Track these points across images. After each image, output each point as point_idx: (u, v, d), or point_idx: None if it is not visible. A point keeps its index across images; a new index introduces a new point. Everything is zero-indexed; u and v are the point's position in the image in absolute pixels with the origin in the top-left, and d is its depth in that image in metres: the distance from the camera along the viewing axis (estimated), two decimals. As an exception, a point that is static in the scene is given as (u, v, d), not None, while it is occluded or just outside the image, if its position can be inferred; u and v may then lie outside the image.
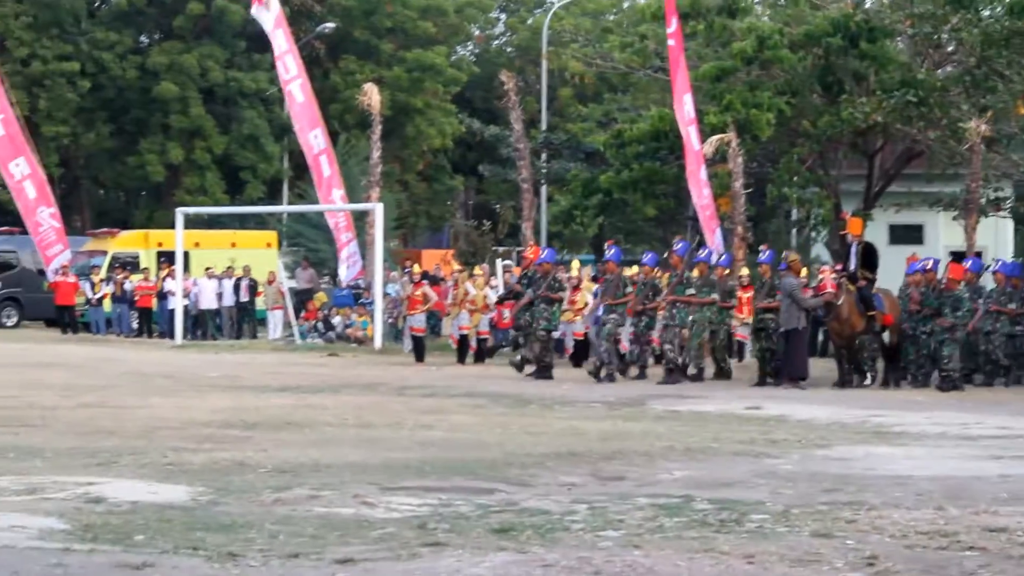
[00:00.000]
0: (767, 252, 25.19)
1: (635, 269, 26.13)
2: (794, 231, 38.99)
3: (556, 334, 26.01)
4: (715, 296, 24.71)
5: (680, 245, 25.96)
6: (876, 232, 31.51)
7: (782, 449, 14.43)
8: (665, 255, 26.12)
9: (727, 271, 26.07)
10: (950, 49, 32.85)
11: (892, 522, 9.83)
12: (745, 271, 26.43)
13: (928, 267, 24.24)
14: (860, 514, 10.15)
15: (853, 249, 24.31)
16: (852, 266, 24.03)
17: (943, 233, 36.37)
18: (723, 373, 25.02)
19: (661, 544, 8.92)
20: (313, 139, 36.27)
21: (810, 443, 15.07)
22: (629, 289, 24.77)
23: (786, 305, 23.23)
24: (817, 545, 8.96)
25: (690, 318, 24.09)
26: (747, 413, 18.46)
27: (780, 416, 18.03)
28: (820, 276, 24.29)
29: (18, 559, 8.15)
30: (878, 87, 30.71)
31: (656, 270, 25.40)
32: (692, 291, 24.40)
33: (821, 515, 10.14)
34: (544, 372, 24.26)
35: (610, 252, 25.65)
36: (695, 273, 24.64)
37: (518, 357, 24.81)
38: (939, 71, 32.53)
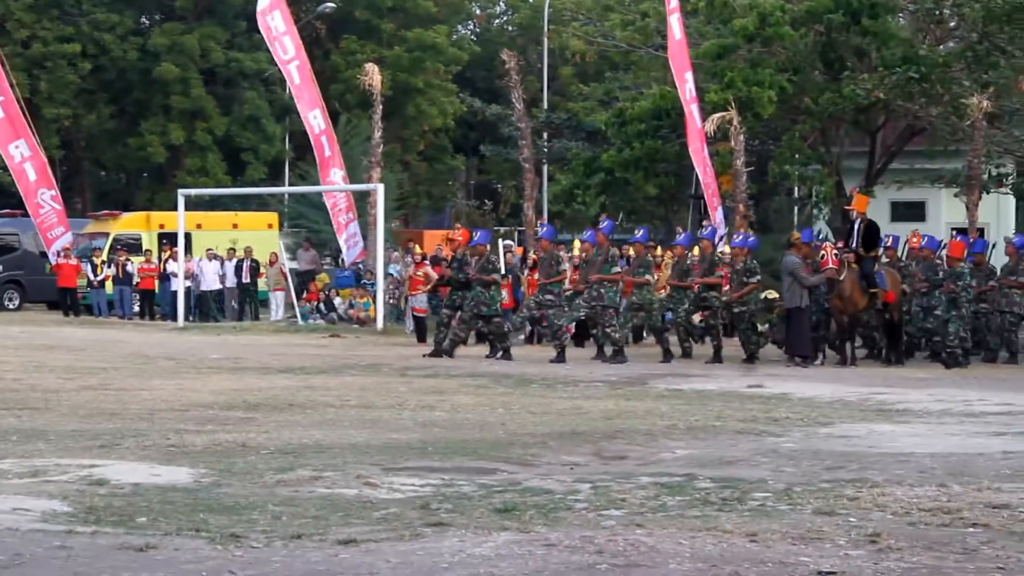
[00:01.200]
0: (708, 228, 25.14)
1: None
2: (796, 209, 38.97)
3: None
4: (648, 277, 24.92)
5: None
6: (878, 209, 31.50)
7: (784, 427, 14.44)
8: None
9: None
10: (952, 25, 32.86)
11: (895, 499, 9.83)
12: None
13: (888, 243, 24.64)
14: (862, 491, 10.15)
15: (856, 226, 24.29)
16: (854, 243, 24.01)
17: (945, 210, 36.42)
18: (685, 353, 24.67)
19: (663, 523, 8.92)
20: (313, 119, 36.22)
21: (812, 421, 15.07)
22: (563, 267, 24.41)
23: (788, 283, 23.21)
24: (819, 523, 8.97)
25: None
26: (749, 391, 18.47)
27: (782, 394, 18.03)
28: (822, 252, 24.28)
29: (21, 541, 8.17)
30: (880, 63, 30.69)
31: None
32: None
33: (823, 493, 10.14)
34: (506, 354, 23.63)
35: (543, 230, 25.28)
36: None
37: (447, 342, 24.01)
38: (941, 47, 32.53)
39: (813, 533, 8.59)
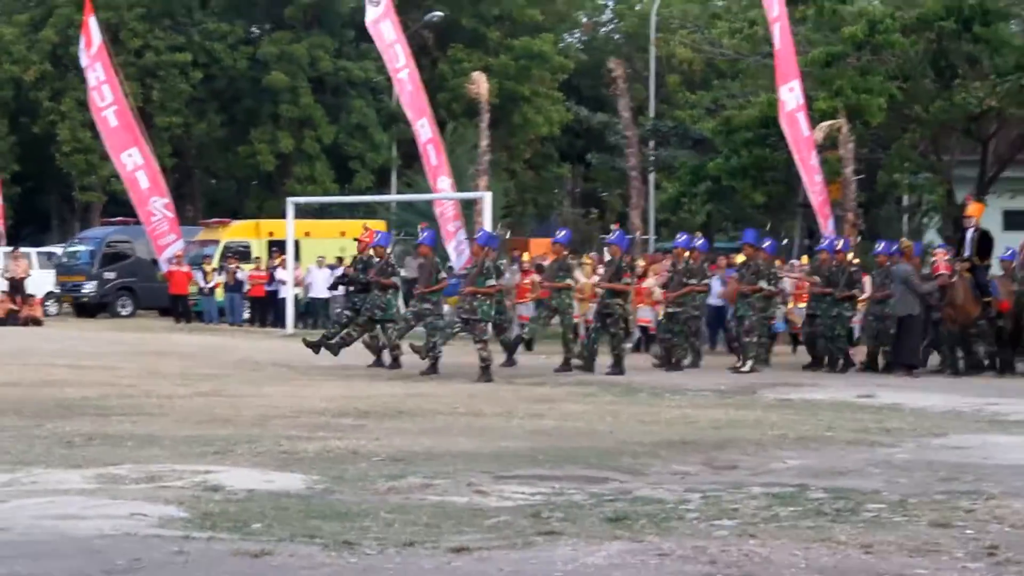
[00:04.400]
0: (616, 233, 24.70)
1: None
2: (905, 217, 38.58)
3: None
4: (569, 281, 24.23)
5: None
6: (990, 218, 31.07)
7: (896, 438, 14.29)
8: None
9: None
10: (1066, 31, 32.37)
11: (1012, 511, 9.71)
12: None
13: (1007, 253, 24.21)
14: (978, 503, 10.03)
15: (969, 235, 24.00)
16: (967, 252, 23.73)
17: (1059, 219, 35.89)
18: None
19: (776, 533, 8.87)
20: (421, 128, 36.37)
21: (925, 431, 14.91)
22: (442, 275, 23.79)
23: (900, 291, 22.96)
24: (936, 535, 8.87)
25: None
26: (860, 401, 18.30)
27: (894, 404, 17.85)
28: (933, 259, 24.03)
29: (140, 546, 8.27)
30: (992, 71, 30.29)
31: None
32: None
33: (939, 504, 10.03)
34: (395, 363, 23.15)
35: (423, 235, 24.30)
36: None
37: (336, 339, 23.32)
38: (1055, 54, 32.01)
39: (929, 545, 8.50)
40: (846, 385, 20.82)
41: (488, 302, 22.24)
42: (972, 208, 24.85)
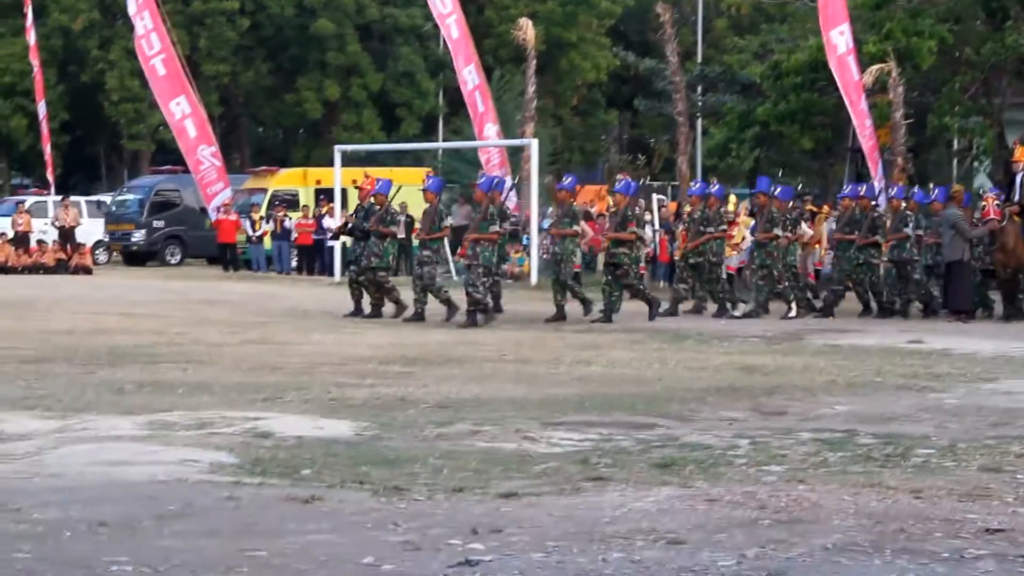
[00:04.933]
0: (623, 181, 24.41)
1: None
2: (955, 161, 38.28)
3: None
4: (576, 228, 23.35)
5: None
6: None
7: (946, 383, 14.23)
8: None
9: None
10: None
11: (1063, 457, 9.67)
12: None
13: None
14: (1029, 449, 10.00)
15: (1019, 179, 23.80)
16: (1017, 196, 23.53)
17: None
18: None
19: (826, 479, 8.85)
20: (467, 75, 36.32)
21: (975, 377, 14.85)
22: (447, 222, 23.36)
23: (949, 237, 22.80)
24: (986, 480, 8.84)
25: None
26: (909, 347, 18.21)
27: (943, 350, 17.75)
28: (983, 204, 23.84)
29: (191, 492, 8.33)
30: (1044, 12, 30.00)
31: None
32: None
33: (989, 449, 9.99)
34: (376, 311, 22.77)
35: (429, 182, 23.85)
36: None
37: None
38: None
39: (980, 490, 8.47)
40: (895, 331, 20.73)
41: (490, 248, 21.94)
42: (1020, 152, 24.62)
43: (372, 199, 23.41)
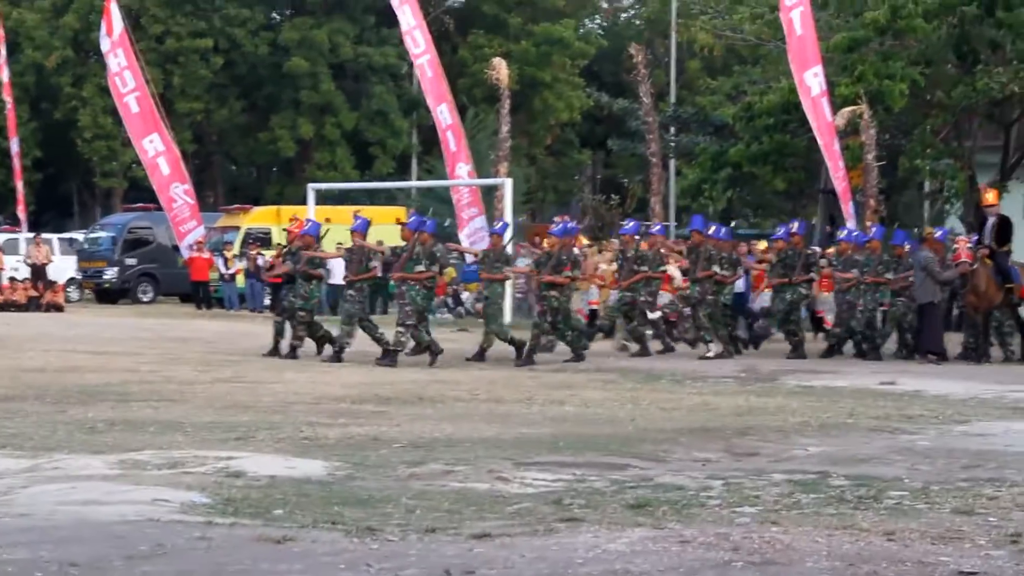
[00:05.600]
0: (559, 224, 24.41)
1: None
2: (927, 204, 38.46)
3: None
4: (507, 271, 23.39)
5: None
6: (1013, 205, 30.96)
7: (918, 425, 14.26)
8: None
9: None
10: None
11: (1035, 499, 9.68)
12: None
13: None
14: (1002, 491, 10.01)
15: (989, 223, 23.93)
16: (987, 239, 23.66)
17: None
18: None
19: (799, 520, 8.85)
20: (441, 114, 36.38)
21: (947, 419, 14.87)
22: (373, 264, 23.39)
23: (920, 279, 22.90)
24: (959, 522, 8.84)
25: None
26: (881, 388, 18.26)
27: (915, 391, 17.81)
28: (955, 247, 23.95)
29: (162, 532, 8.29)
30: (1015, 56, 30.16)
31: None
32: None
33: (961, 492, 10.00)
34: (292, 352, 22.52)
35: (356, 223, 23.72)
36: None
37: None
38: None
39: (952, 533, 8.47)
40: (867, 372, 20.78)
41: (416, 287, 21.86)
42: (989, 196, 24.82)
43: (299, 241, 23.40)
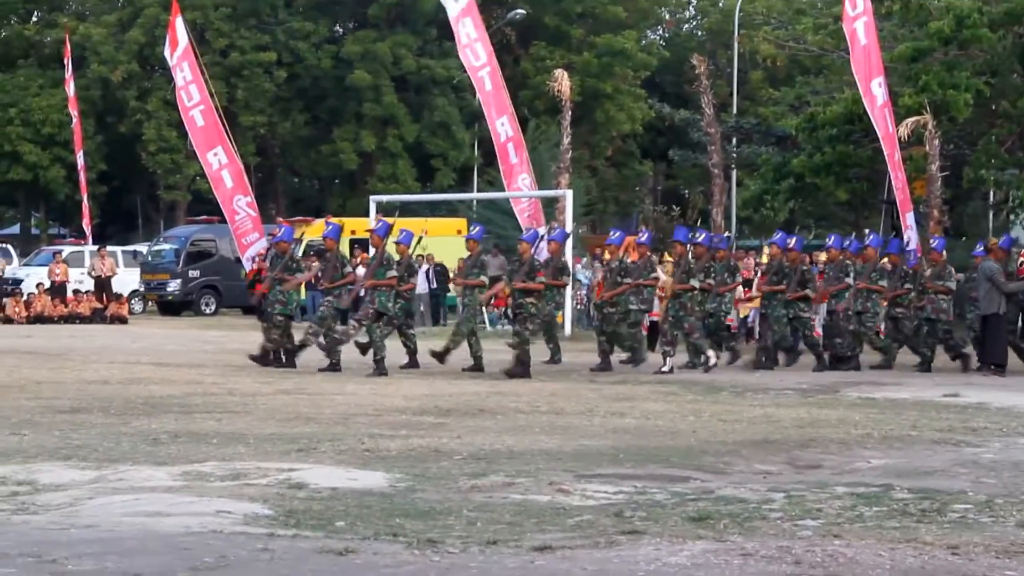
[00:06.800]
0: (529, 231, 24.09)
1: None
2: (991, 214, 38.19)
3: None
4: (482, 278, 22.91)
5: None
6: (1078, 215, 30.74)
7: (983, 437, 14.15)
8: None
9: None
10: None
11: (1101, 513, 9.59)
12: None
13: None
14: (1067, 505, 9.93)
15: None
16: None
17: None
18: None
19: (861, 533, 8.81)
20: (500, 127, 36.38)
21: (1012, 431, 14.75)
22: (348, 270, 23.25)
23: (985, 290, 22.73)
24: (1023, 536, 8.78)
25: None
26: (945, 401, 18.13)
27: (979, 404, 17.66)
28: (1020, 259, 23.75)
29: (226, 543, 8.33)
30: (1081, 65, 29.96)
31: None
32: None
33: (1026, 505, 9.93)
34: (288, 357, 22.65)
35: (328, 228, 23.76)
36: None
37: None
38: None
39: (1017, 547, 8.40)
40: (931, 384, 20.64)
41: (387, 293, 21.72)
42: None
43: (274, 246, 23.46)
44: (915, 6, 31.76)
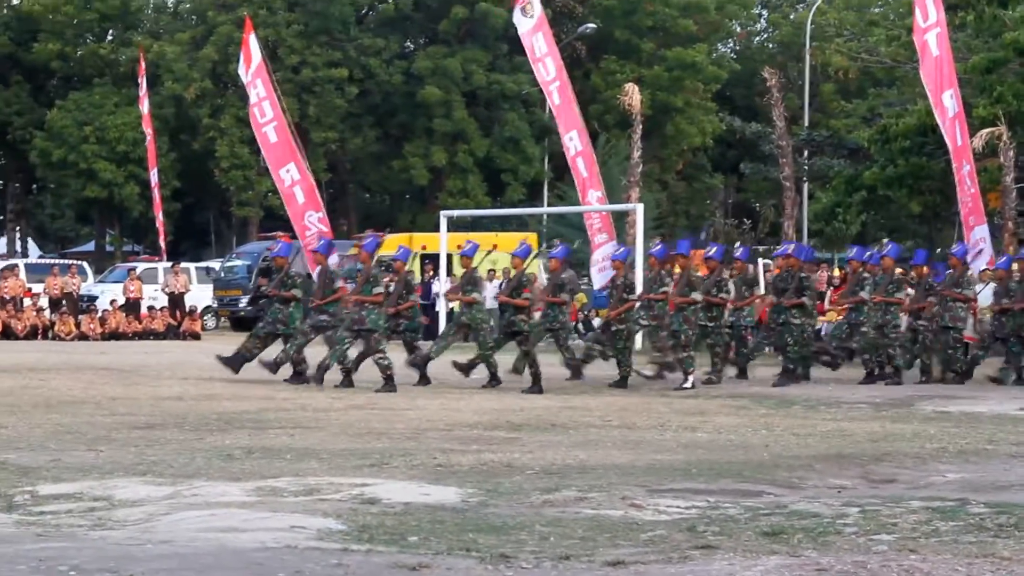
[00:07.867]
0: (522, 245, 23.75)
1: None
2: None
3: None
4: (475, 295, 22.41)
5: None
6: None
7: (1060, 452, 14.01)
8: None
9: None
10: None
11: None
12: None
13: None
14: None
15: None
16: None
17: None
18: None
19: (937, 548, 8.74)
20: (570, 141, 36.42)
21: (1090, 445, 14.60)
22: (339, 285, 23.07)
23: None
24: (1102, 552, 8.68)
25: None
26: (1021, 414, 17.97)
27: (1057, 417, 17.50)
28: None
29: (300, 559, 8.37)
30: None
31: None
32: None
33: (1105, 521, 9.81)
34: (298, 377, 22.47)
35: (319, 243, 23.67)
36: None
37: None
38: None
39: (1095, 562, 8.32)
40: (1007, 398, 20.46)
41: (376, 311, 21.69)
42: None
43: (271, 261, 23.40)
44: (989, 17, 31.52)
